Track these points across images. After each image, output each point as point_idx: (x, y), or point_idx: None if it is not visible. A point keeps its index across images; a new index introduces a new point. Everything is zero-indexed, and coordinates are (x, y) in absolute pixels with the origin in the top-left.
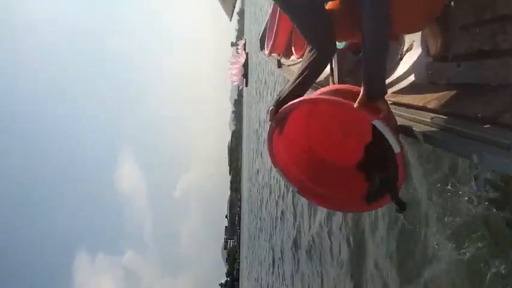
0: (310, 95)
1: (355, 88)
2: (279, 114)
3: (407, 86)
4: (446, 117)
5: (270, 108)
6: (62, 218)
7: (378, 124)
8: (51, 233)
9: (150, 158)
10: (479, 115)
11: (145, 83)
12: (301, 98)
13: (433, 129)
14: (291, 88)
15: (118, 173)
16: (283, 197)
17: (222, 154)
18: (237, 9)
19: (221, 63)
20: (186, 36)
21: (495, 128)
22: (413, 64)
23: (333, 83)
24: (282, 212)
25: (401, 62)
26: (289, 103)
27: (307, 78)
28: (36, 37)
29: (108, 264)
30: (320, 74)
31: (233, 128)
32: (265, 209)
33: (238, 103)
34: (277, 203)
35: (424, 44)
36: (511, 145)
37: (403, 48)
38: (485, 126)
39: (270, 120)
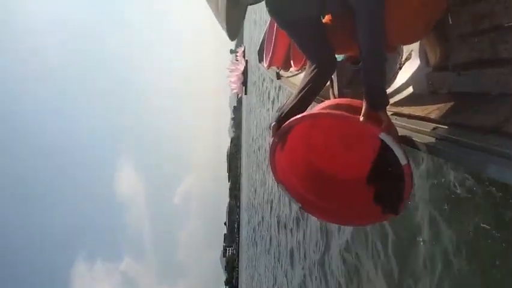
0: (312, 108)
1: (354, 101)
2: (281, 129)
3: (407, 96)
4: (448, 127)
5: (272, 124)
6: (60, 224)
7: (385, 137)
8: (49, 239)
9: (149, 164)
10: (481, 125)
11: (144, 88)
12: (304, 114)
13: (436, 139)
14: (293, 103)
15: (117, 178)
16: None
17: (221, 160)
18: None
19: (221, 70)
20: (187, 39)
21: (498, 138)
22: (412, 74)
23: (334, 95)
24: (279, 222)
25: (400, 72)
26: (292, 119)
27: (309, 93)
28: (36, 37)
29: (106, 271)
30: (321, 89)
31: (232, 134)
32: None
33: (237, 110)
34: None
35: (423, 54)
36: None
37: (402, 58)
38: (488, 136)
39: (272, 136)
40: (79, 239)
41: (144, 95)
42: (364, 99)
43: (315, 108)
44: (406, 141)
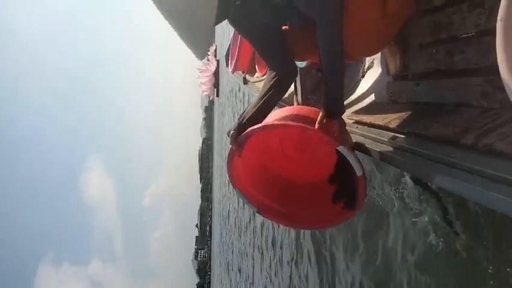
0: (272, 115)
1: (313, 110)
2: (240, 137)
3: (369, 104)
4: (406, 136)
5: (231, 132)
6: (24, 225)
7: (343, 150)
8: (12, 240)
9: (119, 165)
10: (438, 135)
11: (113, 88)
12: (262, 124)
13: (392, 148)
14: (253, 110)
15: (85, 179)
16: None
17: (192, 161)
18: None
19: (192, 69)
20: (157, 40)
21: (455, 149)
22: (374, 83)
23: (297, 101)
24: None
25: (362, 81)
26: (250, 129)
27: (269, 101)
28: (6, 38)
29: (73, 273)
30: (282, 96)
31: (204, 135)
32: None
33: (209, 110)
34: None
35: (384, 63)
36: (473, 168)
37: (364, 67)
38: (444, 146)
39: (230, 144)
40: (44, 241)
41: (113, 94)
42: (321, 107)
43: (273, 115)
44: (361, 149)
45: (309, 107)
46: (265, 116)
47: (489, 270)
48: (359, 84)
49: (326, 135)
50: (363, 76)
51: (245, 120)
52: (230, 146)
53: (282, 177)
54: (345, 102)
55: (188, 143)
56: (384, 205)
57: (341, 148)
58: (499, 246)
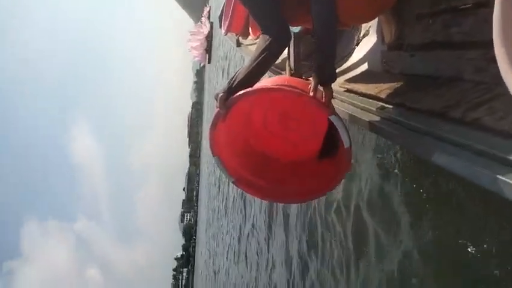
0: (261, 82)
1: (302, 82)
2: (229, 101)
3: (362, 73)
4: (396, 108)
5: (220, 94)
6: (9, 182)
7: (335, 119)
8: None
9: (105, 125)
10: (428, 108)
11: (102, 47)
12: (256, 87)
13: (381, 118)
14: (245, 73)
15: (71, 139)
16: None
17: (181, 124)
18: None
19: (184, 32)
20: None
21: (443, 122)
22: (368, 51)
23: (289, 67)
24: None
25: (357, 49)
26: (243, 91)
27: (262, 64)
28: None
29: (59, 230)
30: (275, 61)
31: (194, 99)
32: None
33: (200, 74)
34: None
35: (380, 32)
36: (459, 142)
37: (360, 34)
38: (433, 120)
39: (218, 107)
40: (30, 199)
41: (102, 53)
42: (313, 74)
43: (263, 83)
44: (352, 119)
45: (299, 79)
46: (257, 80)
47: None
48: (353, 52)
49: (319, 102)
50: (357, 44)
51: (236, 83)
52: (216, 110)
53: (263, 152)
54: (338, 70)
55: (178, 106)
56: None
57: (333, 117)
58: None
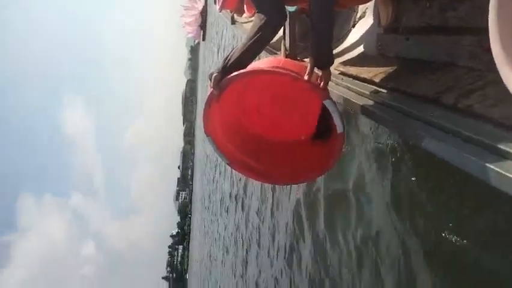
0: (255, 64)
1: (297, 64)
2: (224, 81)
3: (357, 56)
4: (390, 92)
5: (214, 74)
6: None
7: (329, 104)
8: None
9: (99, 102)
10: (421, 93)
11: (95, 21)
12: (251, 68)
13: (374, 103)
14: (240, 53)
15: (64, 115)
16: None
17: (176, 103)
18: None
19: (177, 6)
20: None
21: (435, 108)
22: (364, 34)
23: (284, 47)
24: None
25: (353, 31)
26: (238, 72)
27: (257, 43)
28: None
29: (55, 204)
30: (270, 41)
31: (189, 76)
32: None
33: (194, 51)
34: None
35: (376, 14)
36: (449, 128)
37: (356, 16)
38: (426, 105)
39: (212, 87)
40: (24, 172)
41: (96, 27)
42: (310, 57)
43: (258, 64)
44: (346, 102)
45: (294, 61)
46: (252, 60)
47: None
48: (349, 34)
49: (315, 87)
50: (354, 26)
51: (230, 62)
52: (210, 90)
53: (256, 134)
54: (334, 52)
55: (172, 84)
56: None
57: (327, 102)
58: None
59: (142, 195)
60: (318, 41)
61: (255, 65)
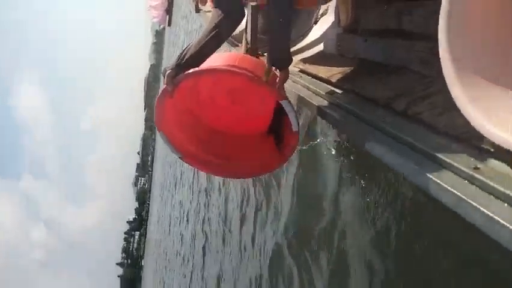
0: (212, 59)
1: (254, 60)
2: (177, 78)
3: (316, 54)
4: (345, 94)
5: (168, 71)
6: None
7: (286, 105)
8: None
9: (55, 83)
10: (373, 97)
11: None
12: (208, 67)
13: (330, 104)
14: (195, 51)
15: (17, 93)
16: None
17: (137, 87)
18: None
19: None
20: None
21: (386, 113)
22: (325, 31)
23: (246, 40)
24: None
25: (314, 28)
26: (194, 70)
27: (213, 41)
28: None
29: (4, 187)
30: (227, 37)
31: (153, 61)
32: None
33: (159, 35)
34: None
35: (337, 13)
36: (397, 135)
37: (319, 12)
38: (377, 108)
39: (166, 83)
40: None
41: (60, 8)
42: (267, 57)
43: (215, 59)
44: (302, 101)
45: (252, 58)
46: (208, 57)
47: None
48: (310, 31)
49: (270, 88)
50: (316, 22)
51: (185, 59)
52: (164, 86)
53: (210, 127)
54: (295, 48)
55: (134, 67)
56: None
57: (284, 103)
58: None
59: (98, 179)
60: (276, 42)
61: (211, 60)
